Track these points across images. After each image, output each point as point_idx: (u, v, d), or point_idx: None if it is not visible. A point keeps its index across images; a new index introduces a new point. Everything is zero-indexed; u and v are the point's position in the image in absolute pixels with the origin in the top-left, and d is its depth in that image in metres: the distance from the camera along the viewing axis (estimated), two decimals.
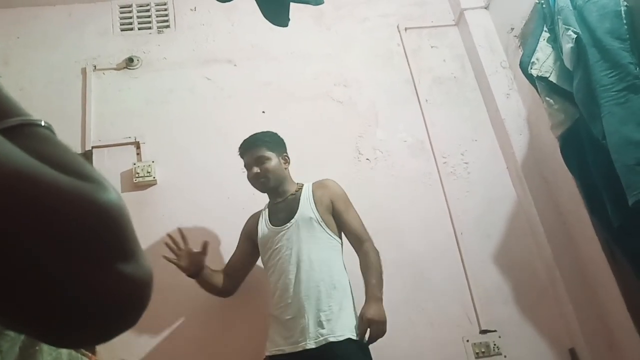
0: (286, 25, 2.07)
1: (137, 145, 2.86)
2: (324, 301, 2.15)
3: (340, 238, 2.35)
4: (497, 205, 2.92)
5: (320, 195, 2.36)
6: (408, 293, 2.58)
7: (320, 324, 2.11)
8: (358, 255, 2.30)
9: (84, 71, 3.05)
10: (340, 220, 2.34)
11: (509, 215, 2.90)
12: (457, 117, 3.14)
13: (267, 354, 2.19)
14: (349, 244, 2.35)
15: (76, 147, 2.81)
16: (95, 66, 3.07)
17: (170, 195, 2.77)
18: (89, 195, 0.47)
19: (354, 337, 2.11)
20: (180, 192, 2.78)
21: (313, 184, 2.43)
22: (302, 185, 2.43)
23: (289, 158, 2.47)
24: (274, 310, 2.25)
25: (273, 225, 2.35)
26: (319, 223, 2.29)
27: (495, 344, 2.57)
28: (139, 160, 2.81)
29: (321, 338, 2.09)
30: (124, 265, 0.46)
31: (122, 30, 3.24)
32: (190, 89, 3.07)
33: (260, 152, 2.38)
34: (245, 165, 2.43)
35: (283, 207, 2.38)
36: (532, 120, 2.93)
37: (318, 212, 2.31)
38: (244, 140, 2.46)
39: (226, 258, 2.55)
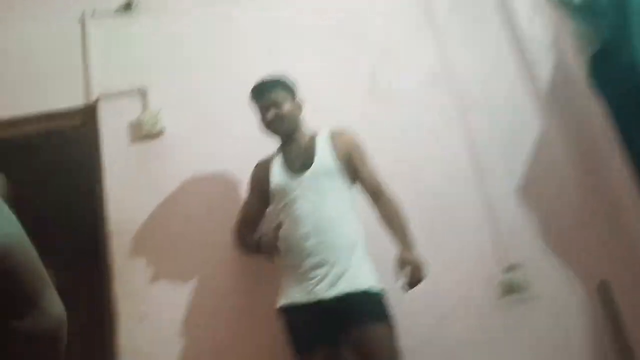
0: None
1: (143, 93, 2.76)
2: (345, 252, 2.09)
3: (354, 187, 2.27)
4: (522, 136, 2.76)
5: (338, 144, 2.26)
6: (428, 233, 2.48)
7: (339, 275, 2.06)
8: (377, 206, 2.22)
9: (82, 19, 2.91)
10: (357, 171, 2.25)
11: (534, 145, 2.74)
12: (477, 43, 2.94)
13: (280, 304, 2.16)
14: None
15: (79, 100, 2.75)
16: (93, 12, 2.92)
17: (179, 144, 2.69)
18: None
19: (372, 290, 2.07)
20: (190, 140, 2.69)
21: (329, 132, 2.32)
22: (316, 133, 2.33)
23: (302, 103, 2.36)
24: (288, 260, 2.19)
25: (288, 173, 2.26)
26: (338, 173, 2.21)
27: (522, 280, 2.49)
28: (146, 109, 2.72)
29: (338, 289, 2.04)
30: (18, 322, 0.37)
31: None
32: (194, 30, 2.92)
33: (276, 96, 2.28)
34: (259, 109, 2.33)
35: (298, 155, 2.28)
36: (558, 43, 2.73)
37: (337, 162, 2.22)
38: (257, 84, 2.34)
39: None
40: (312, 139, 2.30)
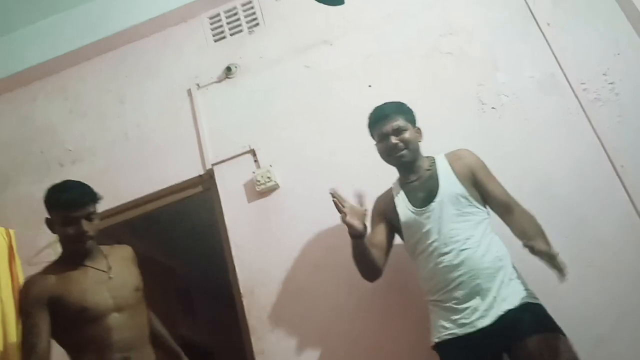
0: (342, 3, 1.86)
1: (253, 152, 2.84)
2: (493, 276, 1.96)
3: (486, 208, 2.13)
4: None
5: (460, 167, 2.15)
6: (571, 250, 2.24)
7: (494, 299, 1.93)
8: (510, 222, 2.05)
9: (189, 92, 3.10)
10: (484, 190, 2.11)
11: None
12: (590, 33, 2.69)
13: (436, 340, 2.03)
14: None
15: (197, 169, 2.91)
16: (198, 85, 3.10)
17: (295, 195, 2.72)
18: None
19: (530, 301, 1.93)
20: (304, 189, 2.71)
21: (446, 155, 2.21)
22: (434, 158, 2.23)
23: (421, 131, 2.27)
24: (434, 296, 2.07)
25: (415, 207, 2.16)
26: (467, 198, 2.08)
27: None
28: (258, 167, 2.80)
29: (496, 310, 1.91)
30: None
31: (216, 40, 3.23)
32: (292, 81, 2.98)
33: (397, 122, 2.19)
34: (378, 137, 2.24)
35: (420, 186, 2.18)
36: None
37: (463, 186, 2.10)
38: (377, 109, 2.26)
39: None
40: (432, 166, 2.20)
